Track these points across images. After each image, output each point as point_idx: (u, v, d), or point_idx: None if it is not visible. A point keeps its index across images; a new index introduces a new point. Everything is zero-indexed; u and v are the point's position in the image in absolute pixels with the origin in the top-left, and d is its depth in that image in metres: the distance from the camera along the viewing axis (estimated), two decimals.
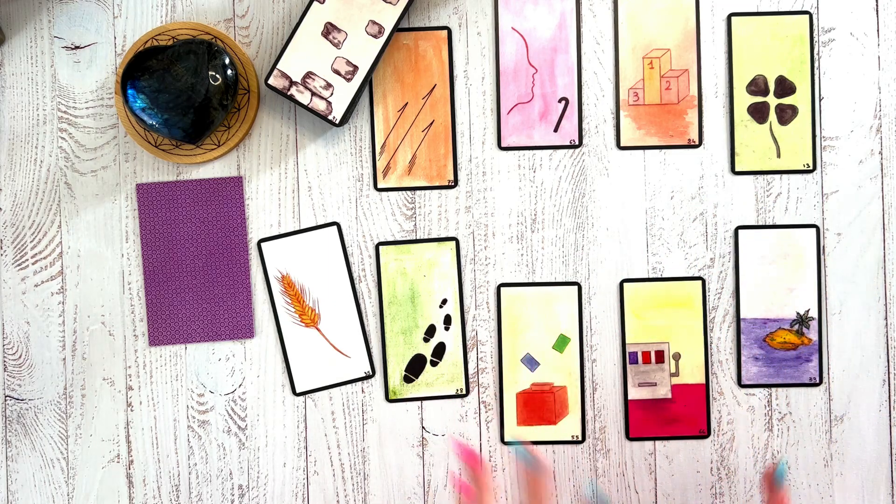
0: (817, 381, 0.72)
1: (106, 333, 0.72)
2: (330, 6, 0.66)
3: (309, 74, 0.66)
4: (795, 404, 0.72)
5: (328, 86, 0.66)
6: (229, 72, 0.67)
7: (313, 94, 0.66)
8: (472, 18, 0.72)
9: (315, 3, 0.66)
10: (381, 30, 0.66)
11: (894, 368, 0.72)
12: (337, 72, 0.66)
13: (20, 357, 0.72)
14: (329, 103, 0.67)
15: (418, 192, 0.72)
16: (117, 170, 0.72)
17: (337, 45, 0.66)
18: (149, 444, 0.72)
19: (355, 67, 0.67)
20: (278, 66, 0.67)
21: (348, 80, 0.67)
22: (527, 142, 0.72)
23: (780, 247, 0.72)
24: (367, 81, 0.68)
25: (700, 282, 0.72)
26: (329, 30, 0.66)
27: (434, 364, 0.72)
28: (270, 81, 0.67)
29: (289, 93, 0.66)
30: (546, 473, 0.60)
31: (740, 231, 0.72)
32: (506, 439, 0.72)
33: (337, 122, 0.68)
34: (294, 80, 0.66)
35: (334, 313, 0.72)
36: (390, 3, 0.66)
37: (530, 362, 0.72)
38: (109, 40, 0.72)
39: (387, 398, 0.72)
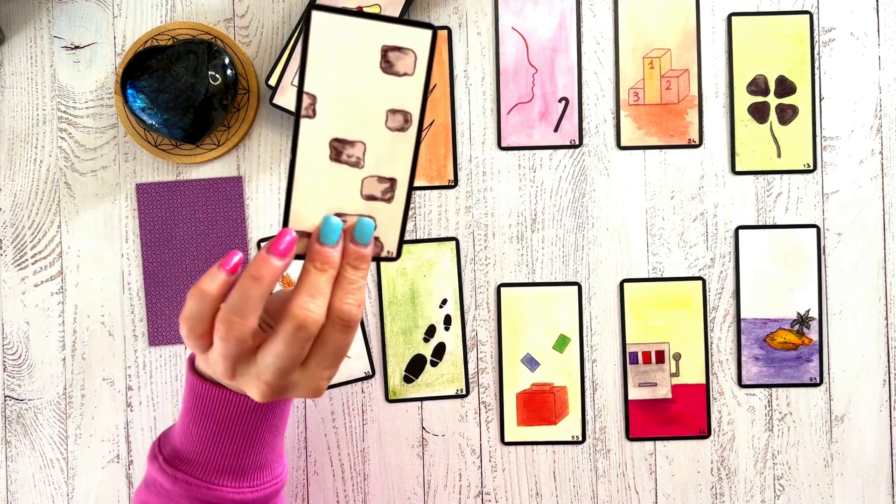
0: (818, 382, 0.72)
1: (106, 333, 0.72)
2: (325, 118, 0.46)
3: (338, 216, 0.47)
4: (796, 404, 0.72)
5: None
6: (229, 72, 0.67)
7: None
8: (472, 18, 0.72)
9: (304, 121, 0.45)
10: (407, 118, 0.47)
11: (895, 368, 0.72)
12: (371, 197, 0.47)
13: (20, 357, 0.72)
14: (377, 240, 0.48)
15: (418, 192, 0.72)
16: (117, 170, 0.72)
17: (357, 164, 0.46)
18: (148, 444, 0.71)
19: (392, 181, 0.47)
20: (290, 220, 0.47)
21: (388, 200, 0.47)
22: (527, 142, 0.72)
23: (780, 247, 0.72)
24: (411, 193, 0.48)
25: (700, 282, 0.72)
26: (338, 149, 0.46)
27: (434, 364, 0.72)
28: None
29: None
30: None
31: (740, 231, 0.72)
32: (506, 439, 0.72)
33: (394, 256, 0.48)
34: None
35: None
36: (406, 74, 0.46)
37: (530, 362, 0.72)
38: (109, 40, 0.72)
39: (387, 398, 0.72)
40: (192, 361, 0.54)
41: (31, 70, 0.72)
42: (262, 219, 0.72)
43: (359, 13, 0.44)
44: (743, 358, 0.72)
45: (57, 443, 0.72)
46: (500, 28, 0.72)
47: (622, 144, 0.72)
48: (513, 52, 0.72)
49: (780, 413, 0.72)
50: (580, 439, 0.72)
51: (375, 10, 0.68)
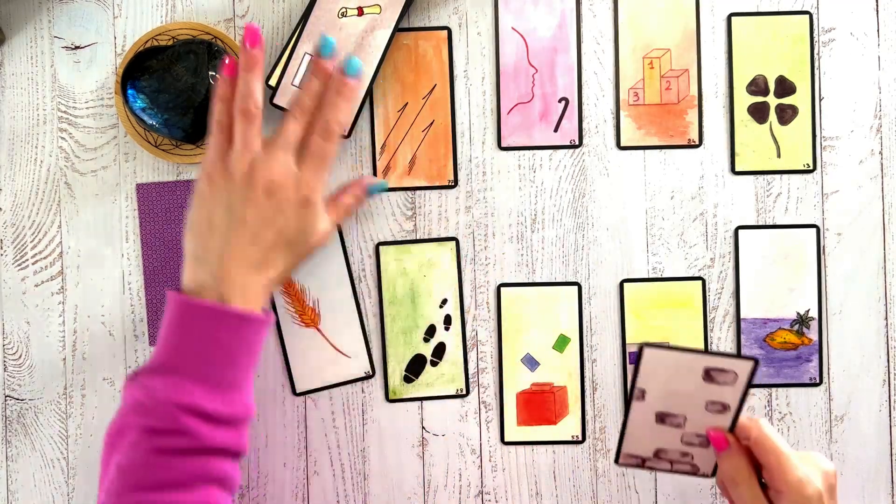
0: (817, 381, 0.72)
1: (106, 333, 0.72)
2: (652, 401, 0.58)
3: (660, 451, 0.60)
4: (795, 404, 0.72)
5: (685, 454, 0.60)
6: None
7: (672, 461, 0.60)
8: (472, 18, 0.72)
9: (636, 402, 0.58)
10: (725, 406, 0.56)
11: (894, 368, 0.72)
12: (690, 443, 0.59)
13: (20, 357, 0.72)
14: (694, 465, 0.60)
15: (418, 192, 0.72)
16: (117, 170, 0.72)
17: (679, 426, 0.58)
18: None
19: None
20: (623, 451, 0.60)
21: (705, 447, 0.58)
22: (527, 142, 0.72)
23: (780, 247, 0.72)
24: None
25: (700, 282, 0.72)
26: (662, 417, 0.58)
27: (434, 364, 0.72)
28: (620, 461, 0.62)
29: (645, 465, 0.61)
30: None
31: (740, 231, 0.72)
32: (506, 439, 0.72)
33: (709, 475, 0.60)
34: (643, 457, 0.61)
35: (334, 313, 0.72)
36: (726, 384, 0.55)
37: (530, 362, 0.72)
38: (109, 40, 0.72)
39: (387, 398, 0.72)
40: (177, 289, 0.60)
41: (32, 70, 0.72)
42: None
43: (685, 349, 0.56)
44: None
45: (57, 443, 0.72)
46: (500, 28, 0.72)
47: (622, 144, 0.72)
48: (513, 52, 0.72)
49: (780, 413, 0.72)
50: (580, 439, 0.72)
51: (375, 10, 0.68)
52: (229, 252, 0.59)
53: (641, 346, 0.55)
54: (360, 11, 0.68)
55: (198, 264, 0.60)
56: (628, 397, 0.58)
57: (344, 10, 0.68)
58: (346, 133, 0.69)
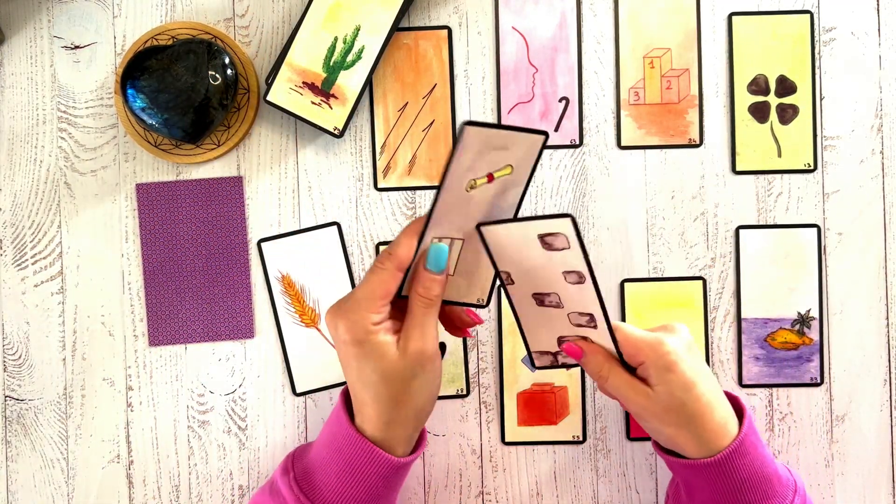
0: (818, 381, 0.71)
1: (106, 333, 0.72)
2: (521, 283, 0.57)
3: (562, 339, 0.59)
4: (796, 404, 0.72)
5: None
6: (229, 71, 0.67)
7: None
8: (473, 18, 0.72)
9: (510, 286, 0.57)
10: (580, 275, 0.54)
11: (895, 368, 0.72)
12: (579, 325, 0.58)
13: (20, 357, 0.72)
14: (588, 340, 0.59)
15: (419, 192, 0.72)
16: (117, 170, 0.72)
17: (558, 306, 0.57)
18: (149, 444, 0.71)
19: (590, 315, 0.56)
20: (532, 352, 0.60)
21: (594, 327, 0.57)
22: None
23: (781, 246, 0.72)
24: (608, 320, 0.56)
25: (701, 282, 0.72)
26: (540, 299, 0.57)
27: None
28: (537, 364, 0.61)
29: (558, 361, 0.60)
30: None
31: (741, 231, 0.72)
32: (506, 439, 0.72)
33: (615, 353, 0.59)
34: (552, 351, 0.60)
35: None
36: (565, 248, 0.53)
37: (531, 362, 0.72)
38: (109, 40, 0.72)
39: None
40: (346, 404, 0.58)
41: (31, 70, 0.72)
42: (262, 219, 0.72)
43: (510, 220, 0.55)
44: (743, 358, 0.71)
45: (57, 443, 0.72)
46: (500, 28, 0.72)
47: (622, 144, 0.72)
48: (513, 52, 0.72)
49: (781, 413, 0.72)
50: (581, 439, 0.72)
51: (507, 171, 0.58)
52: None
53: (478, 227, 0.55)
54: (491, 178, 0.58)
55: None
56: (502, 283, 0.57)
57: (472, 182, 0.58)
58: (339, 133, 0.69)
